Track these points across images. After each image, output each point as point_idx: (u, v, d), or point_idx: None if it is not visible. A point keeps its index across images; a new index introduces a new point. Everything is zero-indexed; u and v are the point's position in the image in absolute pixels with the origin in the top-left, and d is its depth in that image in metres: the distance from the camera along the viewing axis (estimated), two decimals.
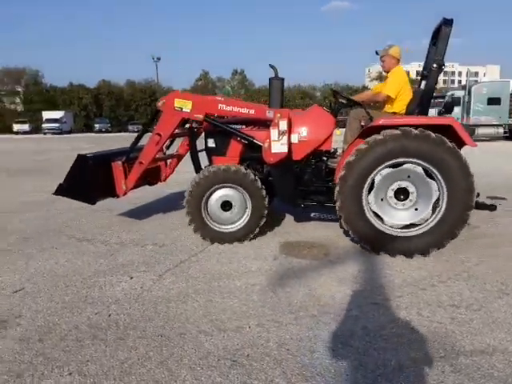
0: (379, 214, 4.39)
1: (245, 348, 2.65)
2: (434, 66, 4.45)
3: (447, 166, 4.12)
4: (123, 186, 5.07)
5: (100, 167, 5.00)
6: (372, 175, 4.29)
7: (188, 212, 4.84)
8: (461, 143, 4.32)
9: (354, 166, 4.27)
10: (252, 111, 4.78)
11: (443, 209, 4.23)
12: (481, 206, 4.91)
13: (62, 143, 28.48)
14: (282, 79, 5.02)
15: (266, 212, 4.84)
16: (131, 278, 3.89)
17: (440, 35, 4.41)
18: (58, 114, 50.19)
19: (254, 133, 4.88)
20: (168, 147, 5.74)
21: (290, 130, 4.67)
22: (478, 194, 5.16)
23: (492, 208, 4.95)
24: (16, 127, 48.68)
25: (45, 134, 46.61)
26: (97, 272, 4.07)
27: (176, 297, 3.44)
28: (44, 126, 47.64)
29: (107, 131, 51.17)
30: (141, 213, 6.42)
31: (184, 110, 4.79)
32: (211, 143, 5.22)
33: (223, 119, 5.28)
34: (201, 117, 4.80)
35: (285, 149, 4.59)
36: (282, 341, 2.74)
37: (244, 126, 5.02)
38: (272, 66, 5.00)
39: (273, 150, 4.60)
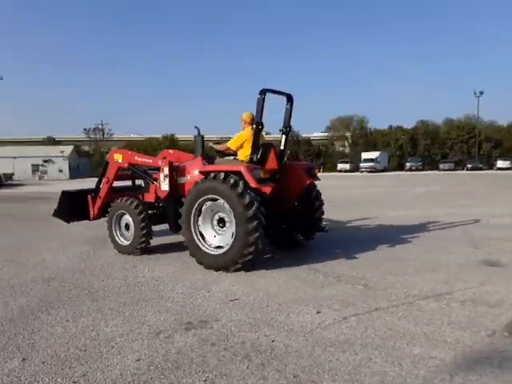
0: (210, 240, 5.58)
1: None
2: (253, 126, 5.61)
3: (230, 197, 5.18)
4: (91, 213, 7.14)
5: (76, 199, 7.21)
6: (193, 211, 5.58)
7: (108, 230, 6.70)
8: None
9: (185, 205, 5.66)
10: (151, 161, 6.70)
11: (234, 230, 5.20)
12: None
13: (363, 180, 30.16)
14: (202, 136, 6.44)
15: (143, 233, 6.23)
16: (318, 312, 3.84)
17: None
18: (374, 155, 53.55)
19: (158, 176, 6.39)
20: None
21: (182, 174, 6.28)
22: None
23: (325, 230, 6.42)
24: (339, 166, 54.84)
25: (361, 172, 50.49)
26: (297, 299, 4.22)
27: (340, 344, 3.17)
28: (361, 165, 51.74)
29: (417, 169, 51.37)
30: (379, 253, 6.16)
31: (119, 160, 6.85)
32: (142, 183, 7.02)
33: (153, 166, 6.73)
34: (126, 165, 6.77)
35: (167, 187, 6.15)
36: None
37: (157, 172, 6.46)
38: (196, 127, 6.35)
39: (162, 188, 6.24)
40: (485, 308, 3.85)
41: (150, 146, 77.78)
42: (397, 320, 3.62)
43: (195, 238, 5.57)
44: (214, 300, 4.26)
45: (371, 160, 52.00)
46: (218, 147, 6.27)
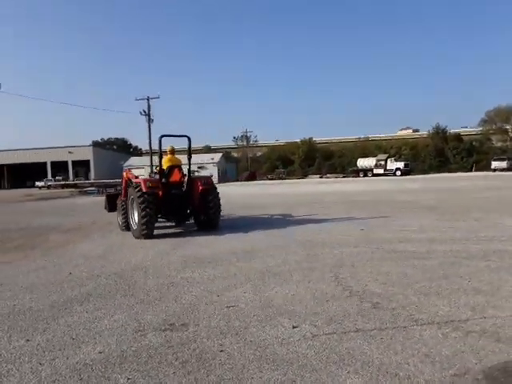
0: (135, 221, 9.53)
1: None
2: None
3: (134, 197, 9.33)
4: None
5: (113, 198, 11.72)
6: (128, 204, 10.00)
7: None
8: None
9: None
10: (134, 176, 10.44)
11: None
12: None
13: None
14: (161, 158, 10.18)
15: (120, 215, 10.74)
16: (294, 327, 3.70)
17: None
18: None
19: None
20: None
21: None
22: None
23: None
24: (494, 164, 48.02)
25: None
26: (289, 312, 4.10)
27: (281, 362, 3.04)
28: None
29: None
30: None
31: (124, 176, 10.70)
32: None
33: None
34: (127, 179, 10.41)
35: None
36: None
37: None
38: (160, 152, 10.47)
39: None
40: (489, 343, 3.18)
41: (289, 150, 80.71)
42: (367, 345, 3.27)
43: (130, 220, 9.80)
44: (216, 305, 4.43)
45: None
46: (158, 168, 10.16)
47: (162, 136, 9.92)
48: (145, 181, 9.37)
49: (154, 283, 5.45)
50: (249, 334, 3.59)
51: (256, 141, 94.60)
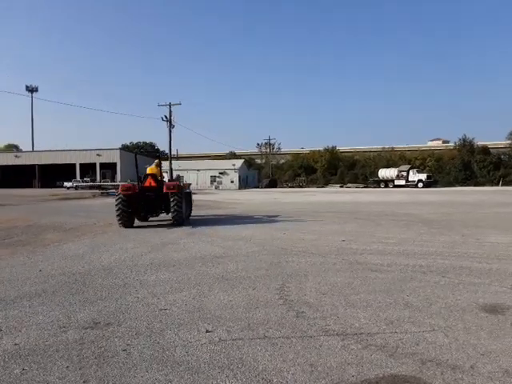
0: None
1: None
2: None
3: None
4: None
5: None
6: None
7: None
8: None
9: None
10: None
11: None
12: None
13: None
14: (136, 166, 13.49)
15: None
16: (207, 331, 3.80)
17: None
18: None
19: None
20: None
21: None
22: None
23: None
24: None
25: None
26: (212, 317, 4.19)
27: (171, 363, 3.14)
28: None
29: None
30: None
31: None
32: None
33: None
34: None
35: None
36: None
37: None
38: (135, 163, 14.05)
39: None
40: (381, 357, 3.18)
41: (312, 158, 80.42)
42: (263, 352, 3.33)
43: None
44: (150, 307, 4.57)
45: None
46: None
47: (136, 153, 15.32)
48: (122, 186, 12.82)
49: (109, 283, 5.64)
50: (161, 336, 3.71)
51: (279, 148, 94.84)
